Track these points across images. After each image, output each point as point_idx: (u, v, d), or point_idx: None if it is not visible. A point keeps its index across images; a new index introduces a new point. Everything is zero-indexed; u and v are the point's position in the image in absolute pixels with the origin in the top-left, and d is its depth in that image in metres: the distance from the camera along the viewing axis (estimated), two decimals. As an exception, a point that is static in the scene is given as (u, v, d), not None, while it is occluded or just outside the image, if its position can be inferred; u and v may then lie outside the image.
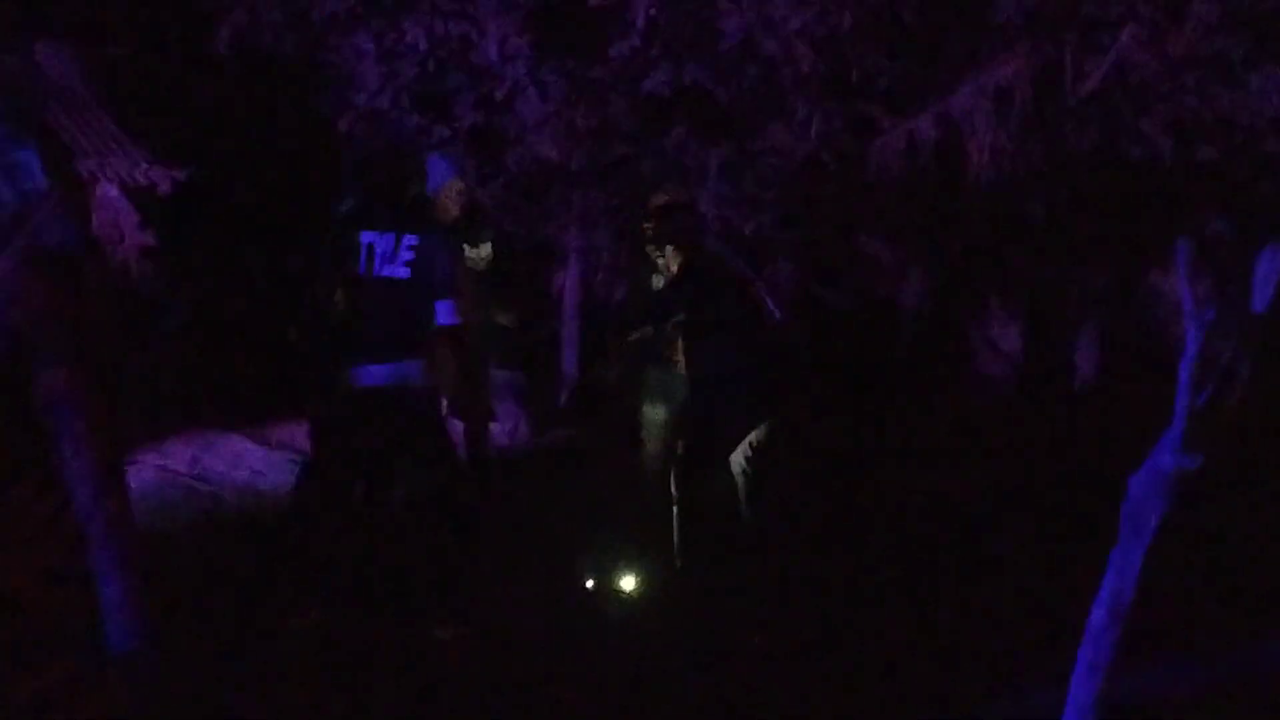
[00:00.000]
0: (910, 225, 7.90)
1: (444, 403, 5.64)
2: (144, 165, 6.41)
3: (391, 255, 5.36)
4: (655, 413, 6.30)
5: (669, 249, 5.98)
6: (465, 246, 6.17)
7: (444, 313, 5.34)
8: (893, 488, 6.91)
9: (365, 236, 5.42)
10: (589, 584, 5.71)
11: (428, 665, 4.67)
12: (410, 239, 5.38)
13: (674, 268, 6.00)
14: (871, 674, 4.71)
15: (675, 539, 5.94)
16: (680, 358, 6.15)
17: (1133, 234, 7.54)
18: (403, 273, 5.35)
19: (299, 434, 5.91)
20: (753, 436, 5.99)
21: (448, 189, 6.08)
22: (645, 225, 6.05)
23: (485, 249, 6.34)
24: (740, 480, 6.01)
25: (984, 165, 7.63)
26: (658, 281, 6.06)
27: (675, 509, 5.93)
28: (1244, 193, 7.89)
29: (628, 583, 5.70)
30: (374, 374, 5.30)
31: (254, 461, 6.49)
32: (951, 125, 7.63)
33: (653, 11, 6.82)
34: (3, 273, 2.59)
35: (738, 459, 5.98)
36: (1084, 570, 3.91)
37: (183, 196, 6.59)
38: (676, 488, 5.93)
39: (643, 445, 6.34)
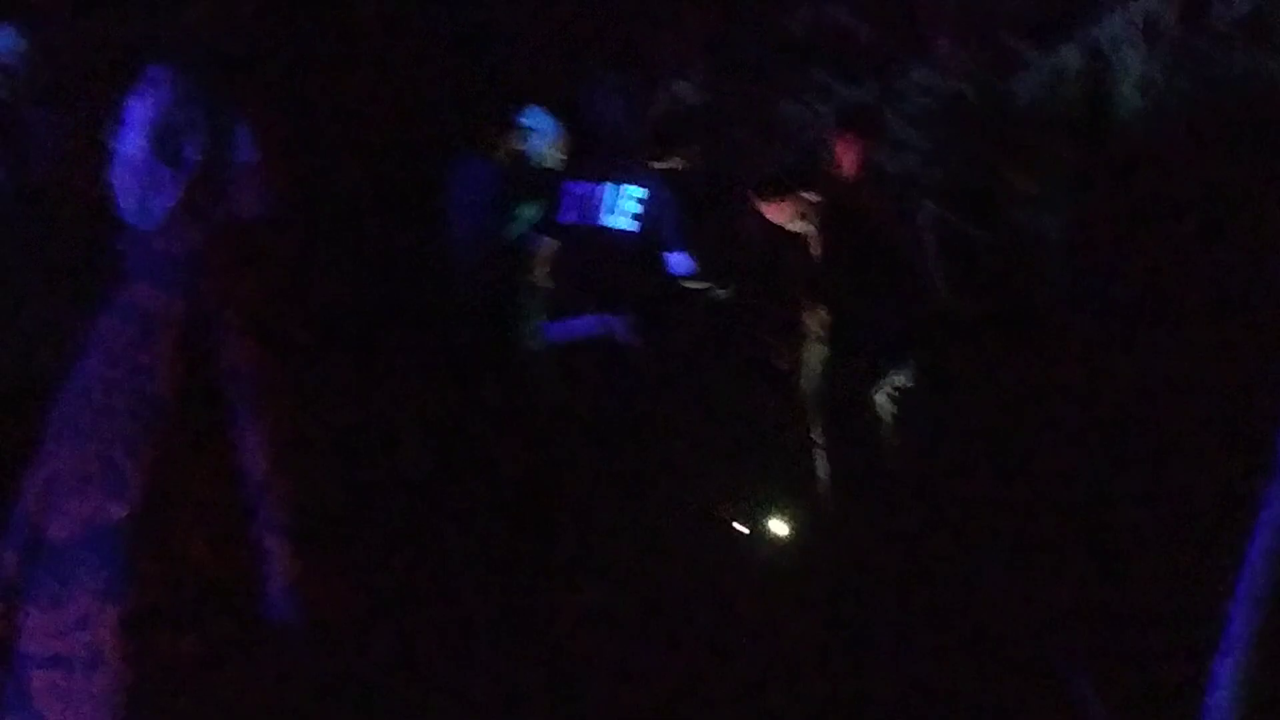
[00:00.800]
0: (1059, 161, 7.75)
1: None
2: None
3: (611, 206, 5.38)
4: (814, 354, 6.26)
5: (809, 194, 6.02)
6: None
7: (678, 264, 5.34)
8: (1046, 436, 6.86)
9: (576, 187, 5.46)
10: (741, 527, 5.81)
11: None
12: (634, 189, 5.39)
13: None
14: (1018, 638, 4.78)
15: (821, 482, 5.98)
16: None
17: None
18: (626, 224, 5.38)
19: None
20: (897, 378, 6.01)
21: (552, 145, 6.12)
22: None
23: None
24: (887, 421, 6.04)
25: (1131, 95, 7.47)
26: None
27: (821, 451, 5.98)
28: None
29: (779, 526, 5.76)
30: (575, 327, 5.37)
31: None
32: (1099, 55, 7.47)
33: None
34: (197, 244, 2.65)
35: (883, 401, 6.00)
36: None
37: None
38: (822, 431, 5.97)
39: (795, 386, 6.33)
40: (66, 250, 4.18)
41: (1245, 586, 3.97)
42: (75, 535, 2.55)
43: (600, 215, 5.38)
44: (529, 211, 5.71)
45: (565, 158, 6.09)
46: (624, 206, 5.41)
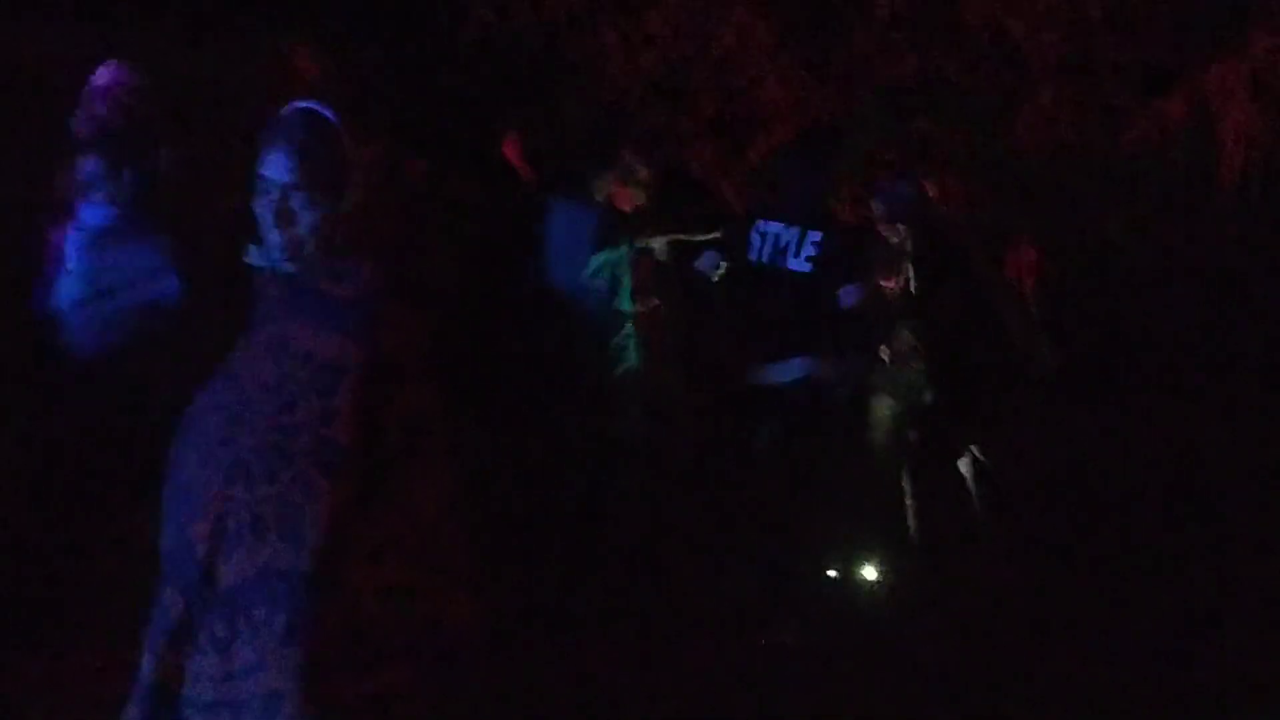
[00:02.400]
0: (1162, 214, 7.74)
1: None
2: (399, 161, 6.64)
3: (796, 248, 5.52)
4: (882, 407, 6.31)
5: (902, 228, 6.02)
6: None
7: (847, 296, 5.56)
8: (1139, 485, 6.87)
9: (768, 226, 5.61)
10: (832, 574, 5.83)
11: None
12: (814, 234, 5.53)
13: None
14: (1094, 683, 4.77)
15: (911, 531, 5.99)
16: (909, 350, 6.17)
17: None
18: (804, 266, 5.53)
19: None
20: (979, 429, 6.02)
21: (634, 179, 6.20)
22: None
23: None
24: (969, 473, 6.05)
25: (1238, 150, 7.44)
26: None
27: (910, 501, 5.99)
28: None
29: (870, 572, 5.78)
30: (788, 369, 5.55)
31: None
32: (1204, 109, 7.44)
33: (897, -3, 6.82)
34: (370, 287, 2.71)
35: (972, 450, 6.01)
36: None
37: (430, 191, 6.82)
38: (910, 481, 5.97)
39: (869, 437, 6.37)
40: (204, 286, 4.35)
41: None
42: (250, 581, 2.59)
43: (787, 258, 5.61)
44: (615, 254, 5.85)
45: (650, 199, 6.21)
46: (805, 250, 5.62)
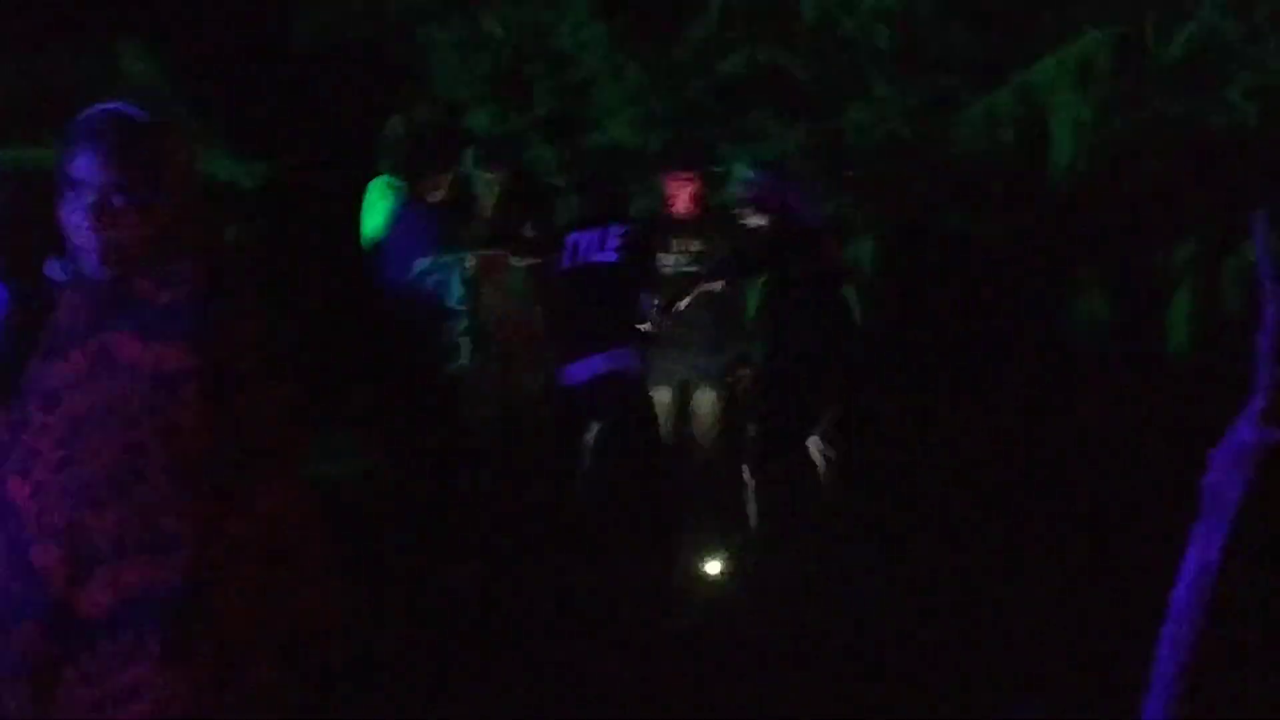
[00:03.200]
0: (994, 201, 7.87)
1: None
2: (225, 162, 6.53)
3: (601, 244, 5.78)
4: (705, 401, 6.36)
5: (751, 211, 6.06)
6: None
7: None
8: (978, 469, 6.99)
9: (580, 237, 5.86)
10: (674, 568, 5.83)
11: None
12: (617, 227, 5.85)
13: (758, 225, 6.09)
14: (956, 667, 4.84)
15: (753, 524, 6.02)
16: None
17: (1221, 205, 7.48)
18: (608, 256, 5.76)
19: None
20: (831, 417, 6.05)
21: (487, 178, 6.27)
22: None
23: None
24: (820, 463, 6.08)
25: (1066, 138, 7.60)
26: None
27: (751, 494, 6.01)
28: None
29: (712, 566, 5.79)
30: (591, 365, 5.72)
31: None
32: (1033, 98, 7.60)
33: (728, -7, 6.86)
34: (195, 291, 2.66)
35: (816, 442, 6.04)
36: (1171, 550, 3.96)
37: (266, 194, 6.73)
38: (751, 472, 6.00)
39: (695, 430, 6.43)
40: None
41: (1171, 627, 4.04)
42: (115, 606, 2.49)
43: (593, 253, 5.73)
44: (447, 256, 5.86)
45: (499, 201, 6.24)
46: (610, 242, 5.74)
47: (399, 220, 5.84)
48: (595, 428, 5.81)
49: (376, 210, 5.91)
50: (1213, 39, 7.58)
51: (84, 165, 2.51)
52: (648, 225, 5.99)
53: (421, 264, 5.73)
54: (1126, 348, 7.77)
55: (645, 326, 5.91)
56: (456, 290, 5.85)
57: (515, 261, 6.25)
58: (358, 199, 6.09)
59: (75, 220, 2.51)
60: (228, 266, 2.68)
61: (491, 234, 6.21)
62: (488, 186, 6.32)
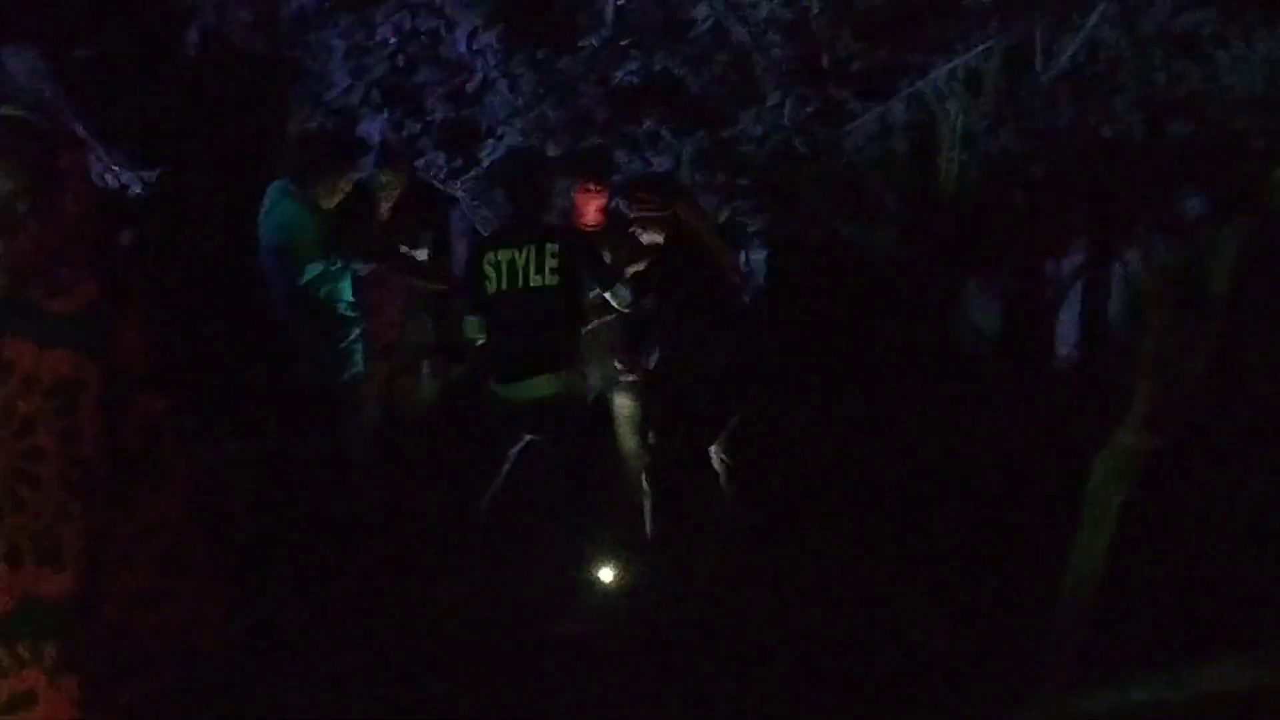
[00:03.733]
0: (886, 209, 7.97)
1: None
2: (114, 168, 6.42)
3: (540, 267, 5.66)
4: (625, 410, 6.41)
5: (652, 227, 6.06)
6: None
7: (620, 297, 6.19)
8: (874, 475, 7.11)
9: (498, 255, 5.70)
10: (572, 575, 5.83)
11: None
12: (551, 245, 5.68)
13: (653, 241, 6.09)
14: (848, 670, 4.92)
15: (649, 532, 6.04)
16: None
17: (1108, 214, 7.64)
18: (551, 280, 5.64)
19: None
20: (730, 426, 6.08)
21: (382, 182, 6.24)
22: (638, 198, 6.11)
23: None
24: (720, 471, 6.10)
25: (956, 147, 7.73)
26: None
27: (648, 503, 6.03)
28: (1213, 172, 8.00)
29: (606, 574, 5.78)
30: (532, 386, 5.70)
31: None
32: (924, 108, 7.70)
33: (621, 1, 6.84)
34: (87, 295, 2.68)
35: (716, 450, 6.07)
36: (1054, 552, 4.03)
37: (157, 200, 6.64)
38: (649, 482, 6.01)
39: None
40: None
41: (1054, 637, 4.22)
42: (11, 613, 2.52)
43: (529, 276, 5.58)
44: (334, 263, 5.83)
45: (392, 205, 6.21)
46: (547, 263, 5.59)
47: (292, 225, 5.78)
48: (524, 441, 5.81)
49: (273, 215, 5.84)
50: (1099, 50, 7.72)
51: None
52: (580, 244, 5.87)
53: (314, 270, 5.69)
54: (1015, 355, 7.92)
55: (624, 308, 5.96)
56: (348, 297, 5.81)
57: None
58: (251, 205, 6.03)
59: None
60: (122, 275, 2.67)
61: (385, 244, 6.17)
62: (384, 194, 6.29)
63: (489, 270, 5.57)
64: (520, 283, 5.53)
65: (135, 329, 2.67)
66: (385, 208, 6.32)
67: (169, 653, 2.71)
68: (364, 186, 6.21)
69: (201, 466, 2.98)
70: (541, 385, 5.57)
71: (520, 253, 5.55)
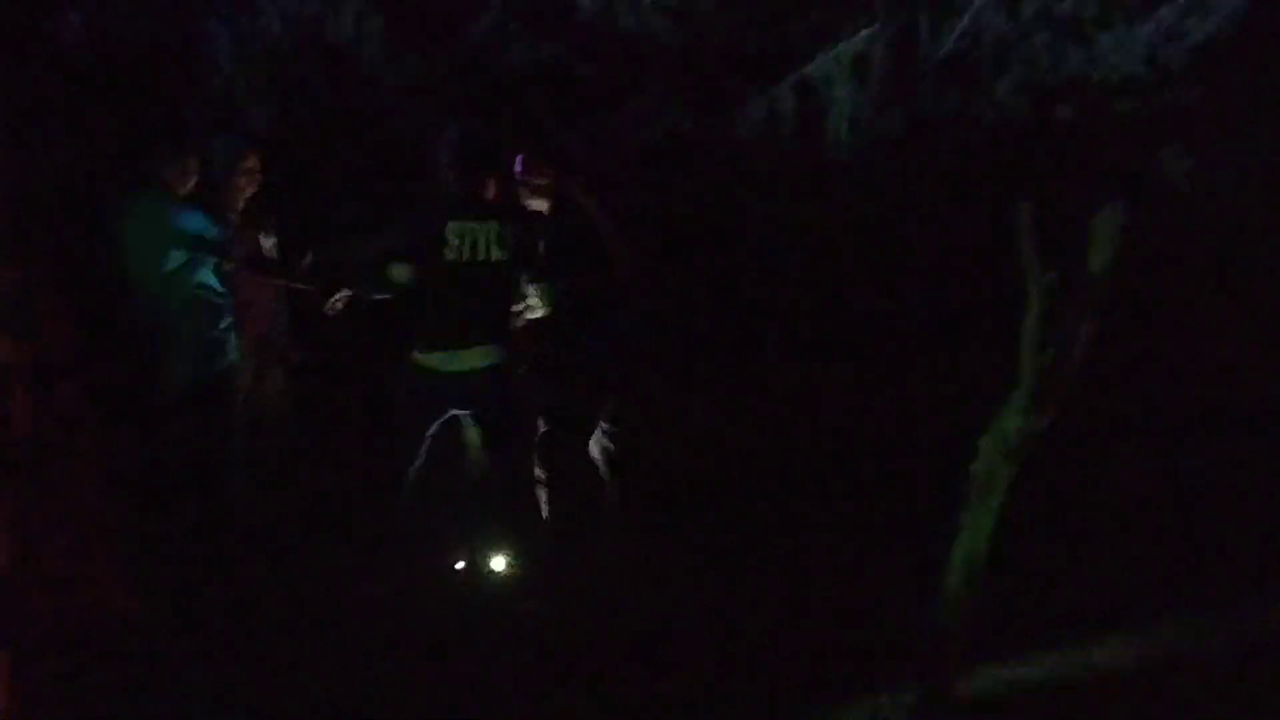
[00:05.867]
0: (774, 194, 8.07)
1: None
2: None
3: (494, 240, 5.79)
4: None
5: (538, 194, 6.13)
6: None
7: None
8: (756, 457, 7.34)
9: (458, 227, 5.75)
10: (459, 565, 5.88)
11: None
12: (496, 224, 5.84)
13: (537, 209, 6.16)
14: (725, 652, 5.09)
15: (545, 517, 6.10)
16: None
17: (991, 197, 7.80)
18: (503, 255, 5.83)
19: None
20: (608, 414, 6.17)
21: (240, 169, 6.18)
22: (526, 165, 6.17)
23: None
24: (600, 459, 6.18)
25: (844, 132, 7.84)
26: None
27: (544, 489, 6.09)
28: (1094, 155, 8.18)
29: (498, 563, 5.84)
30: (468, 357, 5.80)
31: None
32: (811, 94, 7.81)
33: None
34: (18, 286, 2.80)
35: (597, 437, 6.15)
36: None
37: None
38: (542, 467, 6.07)
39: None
40: None
41: (938, 615, 4.33)
42: None
43: (489, 250, 5.72)
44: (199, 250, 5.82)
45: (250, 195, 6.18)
46: (503, 240, 5.75)
47: (149, 213, 5.76)
48: (451, 416, 5.89)
49: (131, 205, 5.81)
50: (984, 35, 7.90)
51: None
52: (532, 227, 6.06)
53: (176, 259, 5.68)
54: (903, 337, 8.08)
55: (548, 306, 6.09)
56: (214, 284, 5.80)
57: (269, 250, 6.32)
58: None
59: None
60: (43, 262, 2.78)
61: (240, 236, 6.15)
62: (245, 179, 6.23)
63: (452, 239, 5.65)
64: (481, 255, 5.65)
65: (58, 317, 2.78)
66: (244, 195, 6.24)
67: (76, 638, 2.78)
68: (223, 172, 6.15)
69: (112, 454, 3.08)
70: (479, 356, 5.69)
71: (482, 225, 5.66)
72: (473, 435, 5.94)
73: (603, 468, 6.27)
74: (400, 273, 5.71)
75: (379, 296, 5.88)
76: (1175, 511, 6.77)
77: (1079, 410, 4.38)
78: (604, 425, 6.22)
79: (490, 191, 6.06)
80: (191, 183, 5.82)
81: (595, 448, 6.25)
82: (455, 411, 5.83)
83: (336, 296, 5.98)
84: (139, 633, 3.12)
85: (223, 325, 5.83)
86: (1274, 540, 6.24)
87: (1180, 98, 8.20)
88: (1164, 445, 7.75)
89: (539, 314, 6.06)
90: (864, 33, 7.54)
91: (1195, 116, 8.39)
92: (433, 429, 5.84)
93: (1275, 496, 6.83)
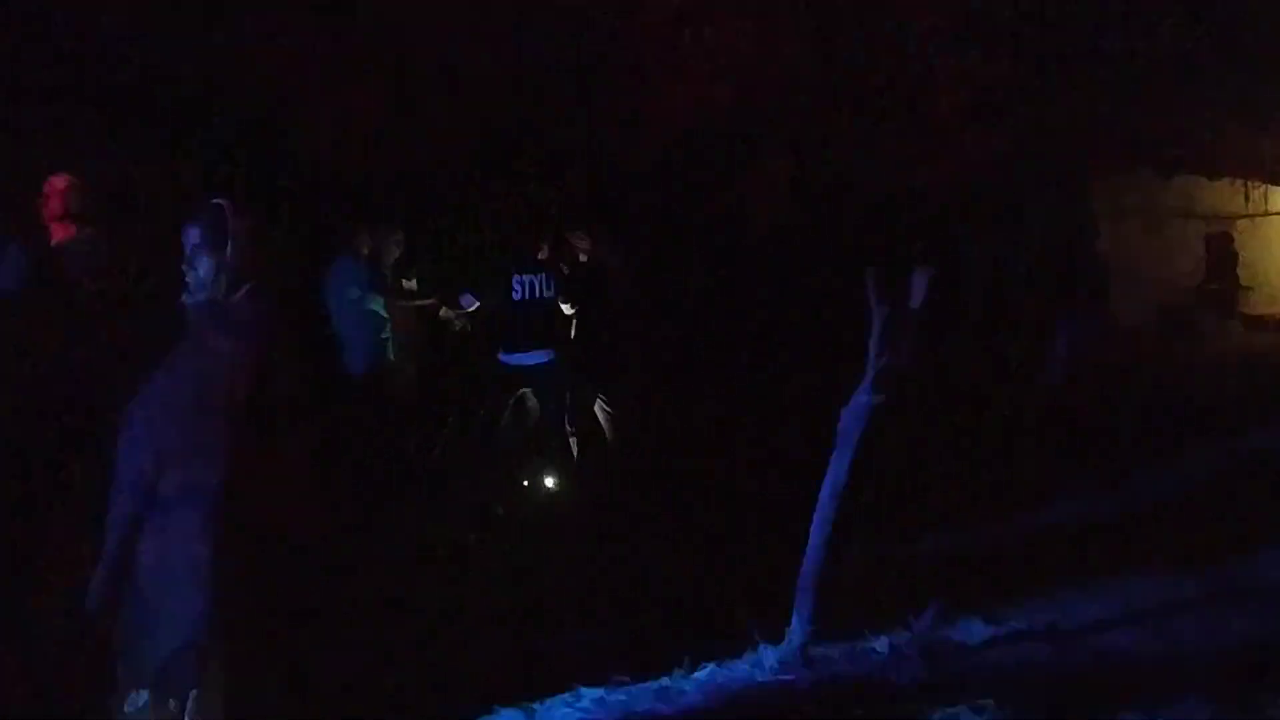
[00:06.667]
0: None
1: None
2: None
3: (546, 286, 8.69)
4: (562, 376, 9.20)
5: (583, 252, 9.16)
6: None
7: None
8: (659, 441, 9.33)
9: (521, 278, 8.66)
10: (525, 483, 8.86)
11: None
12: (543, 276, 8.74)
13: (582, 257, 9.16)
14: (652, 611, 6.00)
15: (574, 455, 9.15)
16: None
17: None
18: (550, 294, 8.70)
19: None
20: (605, 392, 9.25)
21: (392, 239, 8.87)
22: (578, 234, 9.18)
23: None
24: (603, 419, 9.18)
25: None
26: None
27: (573, 438, 9.17)
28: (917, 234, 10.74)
29: (549, 481, 8.89)
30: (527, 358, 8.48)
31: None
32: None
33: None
34: (258, 311, 3.92)
35: (599, 405, 9.19)
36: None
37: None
38: (570, 425, 9.09)
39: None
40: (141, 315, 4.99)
41: (816, 531, 5.15)
42: (182, 492, 3.50)
43: (540, 291, 8.58)
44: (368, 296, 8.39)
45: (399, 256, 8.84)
46: (549, 285, 8.62)
47: (340, 268, 8.48)
48: (521, 392, 8.54)
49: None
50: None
51: (185, 235, 3.82)
52: (570, 268, 8.93)
53: (355, 294, 8.37)
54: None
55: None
56: (379, 309, 8.44)
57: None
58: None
59: (185, 268, 3.81)
60: (270, 299, 3.93)
61: (395, 282, 8.81)
62: (392, 248, 8.86)
63: (518, 286, 8.48)
64: (536, 295, 8.49)
65: (277, 330, 3.80)
66: (394, 255, 8.80)
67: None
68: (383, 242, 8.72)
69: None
70: (536, 355, 8.45)
71: (536, 275, 8.52)
72: (533, 404, 8.67)
73: (605, 425, 9.14)
74: (468, 300, 8.68)
75: (463, 313, 8.75)
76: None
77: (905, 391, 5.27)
78: (601, 398, 9.10)
79: (543, 253, 8.91)
80: (366, 249, 8.48)
81: (599, 413, 9.14)
82: (523, 390, 8.65)
83: (443, 315, 8.85)
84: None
85: (383, 335, 8.48)
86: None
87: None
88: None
89: (571, 327, 8.88)
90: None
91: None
92: (510, 400, 8.63)
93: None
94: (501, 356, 8.63)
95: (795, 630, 5.01)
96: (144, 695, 3.64)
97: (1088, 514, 7.26)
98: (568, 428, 9.05)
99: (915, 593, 5.50)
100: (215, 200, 3.94)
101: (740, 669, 4.94)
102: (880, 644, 5.14)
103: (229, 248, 3.85)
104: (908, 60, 9.47)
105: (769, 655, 4.97)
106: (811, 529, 4.98)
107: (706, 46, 8.68)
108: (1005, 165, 10.70)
